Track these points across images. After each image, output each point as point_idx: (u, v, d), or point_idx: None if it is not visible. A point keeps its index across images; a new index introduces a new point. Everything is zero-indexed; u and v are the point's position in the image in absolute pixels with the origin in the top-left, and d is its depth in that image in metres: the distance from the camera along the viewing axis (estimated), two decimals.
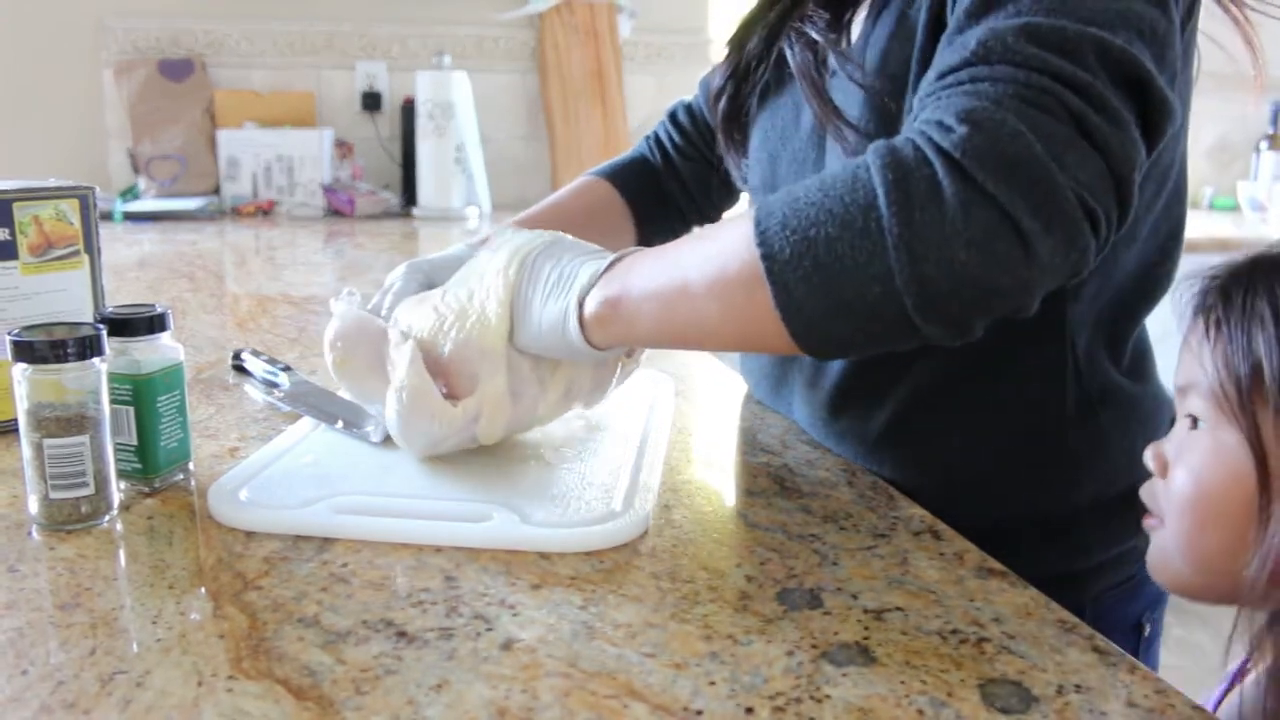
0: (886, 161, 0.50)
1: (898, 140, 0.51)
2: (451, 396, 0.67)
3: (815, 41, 0.72)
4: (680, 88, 2.79)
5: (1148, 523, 0.64)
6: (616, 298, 0.61)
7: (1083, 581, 0.75)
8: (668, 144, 0.98)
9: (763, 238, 0.52)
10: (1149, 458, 0.64)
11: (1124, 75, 0.51)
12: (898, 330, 0.51)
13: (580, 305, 0.62)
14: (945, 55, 0.55)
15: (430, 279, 0.76)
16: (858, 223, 0.49)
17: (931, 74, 0.55)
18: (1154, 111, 0.52)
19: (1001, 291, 0.49)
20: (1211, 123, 2.92)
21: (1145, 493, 0.65)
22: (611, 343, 0.63)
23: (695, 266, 0.57)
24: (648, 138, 1.00)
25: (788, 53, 0.73)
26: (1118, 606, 0.77)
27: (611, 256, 0.64)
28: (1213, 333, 0.58)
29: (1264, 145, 2.84)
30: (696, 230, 0.63)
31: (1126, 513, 0.74)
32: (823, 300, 0.51)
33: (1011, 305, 0.51)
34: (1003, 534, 0.65)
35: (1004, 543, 0.62)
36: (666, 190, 0.96)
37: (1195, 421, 0.60)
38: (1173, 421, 0.64)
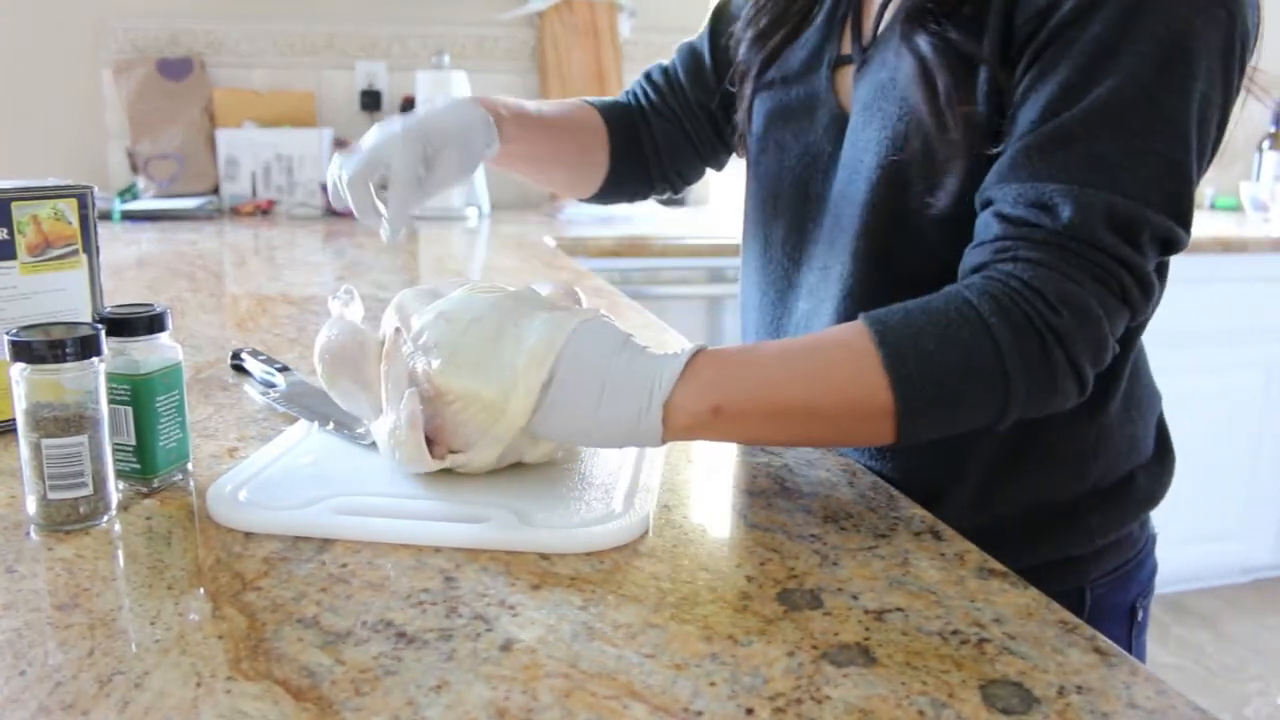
0: (1003, 323, 0.61)
1: (1004, 302, 0.61)
2: (439, 442, 0.65)
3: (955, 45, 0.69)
4: None
5: None
6: (716, 408, 0.60)
7: (1084, 566, 0.78)
8: (643, 99, 1.00)
9: (901, 387, 0.60)
10: None
11: (1163, 246, 0.64)
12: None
13: (665, 408, 0.59)
14: (1028, 201, 0.63)
15: (428, 141, 0.77)
16: (985, 379, 0.61)
17: (1008, 208, 0.64)
18: (1171, 252, 0.66)
19: (1056, 409, 0.64)
20: None
21: None
22: (689, 439, 0.63)
23: (817, 394, 0.61)
24: (627, 92, 1.02)
25: (922, 44, 0.70)
26: (1114, 593, 0.79)
27: (683, 355, 0.61)
28: None
29: (1266, 145, 2.83)
30: (788, 342, 0.65)
31: (1125, 499, 0.79)
32: (940, 429, 0.62)
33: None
34: (1008, 521, 0.67)
35: (1008, 529, 0.64)
36: (641, 140, 0.98)
37: None
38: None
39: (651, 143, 0.98)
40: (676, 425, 0.60)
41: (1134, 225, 0.62)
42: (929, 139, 0.69)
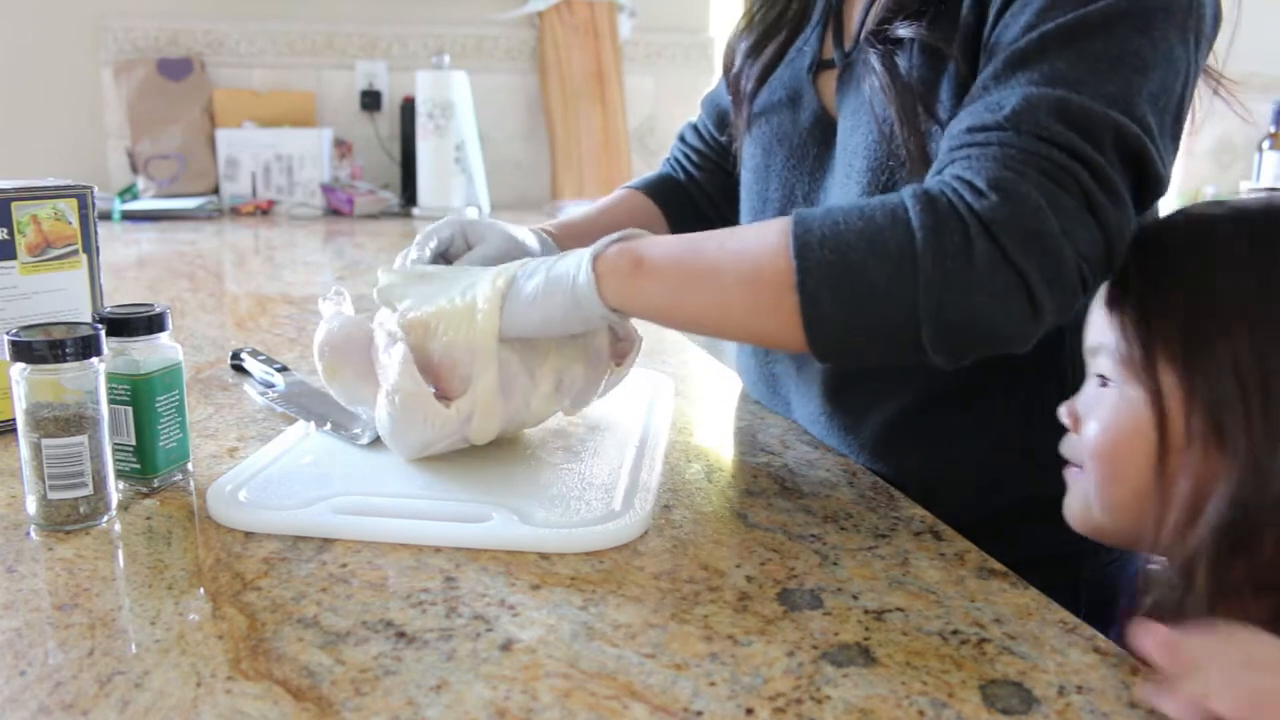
0: (924, 208, 0.56)
1: (932, 189, 0.57)
2: (443, 397, 0.67)
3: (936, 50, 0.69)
4: (680, 88, 2.80)
5: (1069, 472, 0.68)
6: (639, 257, 0.64)
7: (1077, 560, 0.78)
8: (684, 161, 1.02)
9: (801, 251, 0.57)
10: (1063, 414, 0.68)
11: (1131, 155, 0.58)
12: (905, 352, 0.58)
13: (595, 259, 0.64)
14: (979, 110, 0.60)
15: (465, 236, 0.78)
16: (893, 257, 0.56)
17: (962, 124, 0.60)
18: (1148, 187, 0.59)
19: (1007, 338, 0.58)
20: (1213, 123, 2.92)
21: (1066, 447, 0.69)
22: (619, 302, 0.64)
23: (727, 258, 0.61)
24: (665, 161, 1.04)
25: (889, 56, 0.70)
26: (1108, 586, 0.80)
27: (620, 232, 0.66)
28: (1121, 296, 0.62)
29: (1266, 145, 2.83)
30: (720, 230, 0.65)
31: None
32: (847, 317, 0.57)
33: (1011, 349, 0.59)
34: (1002, 517, 0.69)
35: (1008, 522, 0.64)
36: (695, 199, 1.00)
37: (1104, 380, 0.65)
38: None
39: (706, 199, 0.99)
40: (604, 272, 0.64)
41: (1092, 123, 0.56)
42: (904, 145, 0.69)
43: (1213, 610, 0.56)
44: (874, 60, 0.71)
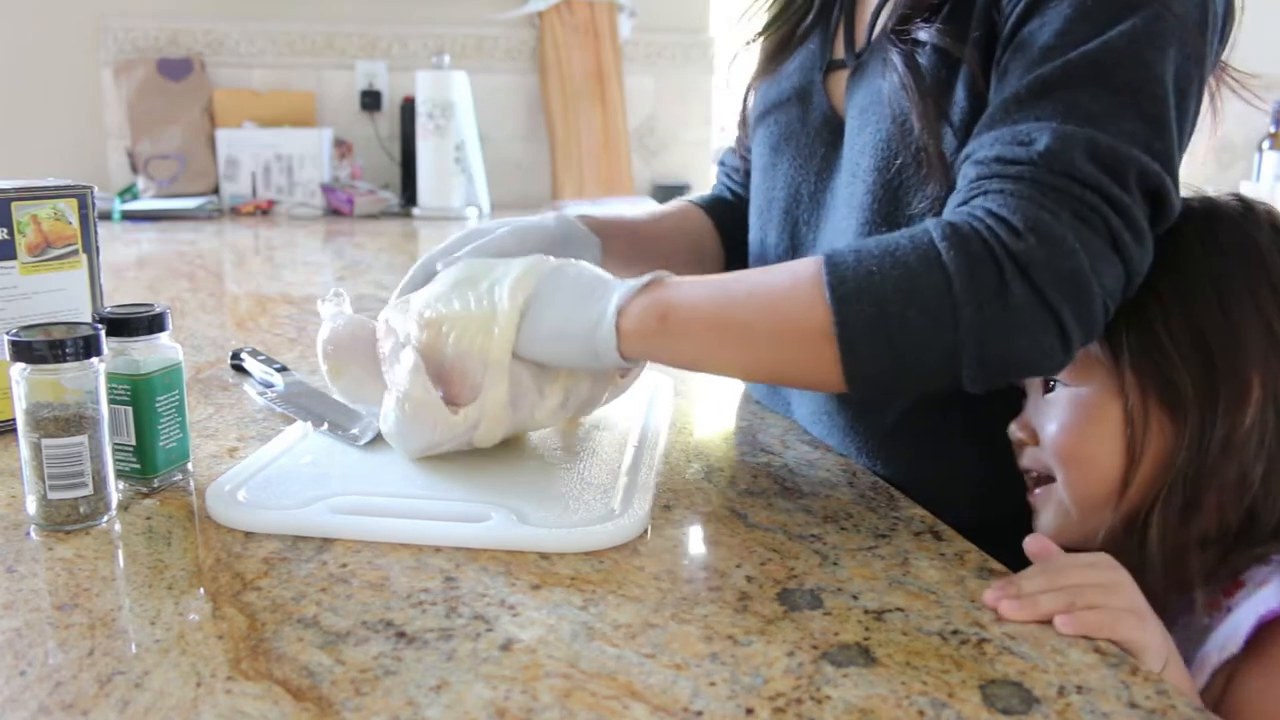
0: (956, 249, 0.57)
1: (960, 224, 0.58)
2: (450, 401, 0.67)
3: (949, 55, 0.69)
4: (680, 88, 2.80)
5: (1036, 494, 0.71)
6: (664, 313, 0.63)
7: None
8: (729, 181, 1.02)
9: (839, 304, 0.58)
10: (1016, 432, 0.72)
11: (1152, 192, 0.60)
12: (942, 383, 0.60)
13: (619, 313, 0.63)
14: (1006, 139, 0.61)
15: (524, 239, 0.76)
16: (931, 304, 0.57)
17: (989, 151, 0.61)
18: (1164, 216, 0.62)
19: (1039, 369, 0.61)
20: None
21: (1028, 461, 0.72)
22: (642, 356, 0.65)
23: (759, 311, 0.62)
24: (716, 185, 1.04)
25: (908, 55, 0.71)
26: None
27: (646, 276, 0.65)
28: None
29: (1266, 145, 2.83)
30: (745, 273, 0.65)
31: None
32: (886, 363, 0.59)
33: (1041, 376, 0.65)
34: (1008, 518, 0.70)
35: (1008, 525, 0.65)
36: (743, 215, 0.99)
37: (1048, 386, 0.70)
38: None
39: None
40: (628, 330, 0.63)
41: (1119, 163, 0.58)
42: (922, 146, 0.69)
43: (1166, 568, 0.64)
44: (895, 58, 0.71)
